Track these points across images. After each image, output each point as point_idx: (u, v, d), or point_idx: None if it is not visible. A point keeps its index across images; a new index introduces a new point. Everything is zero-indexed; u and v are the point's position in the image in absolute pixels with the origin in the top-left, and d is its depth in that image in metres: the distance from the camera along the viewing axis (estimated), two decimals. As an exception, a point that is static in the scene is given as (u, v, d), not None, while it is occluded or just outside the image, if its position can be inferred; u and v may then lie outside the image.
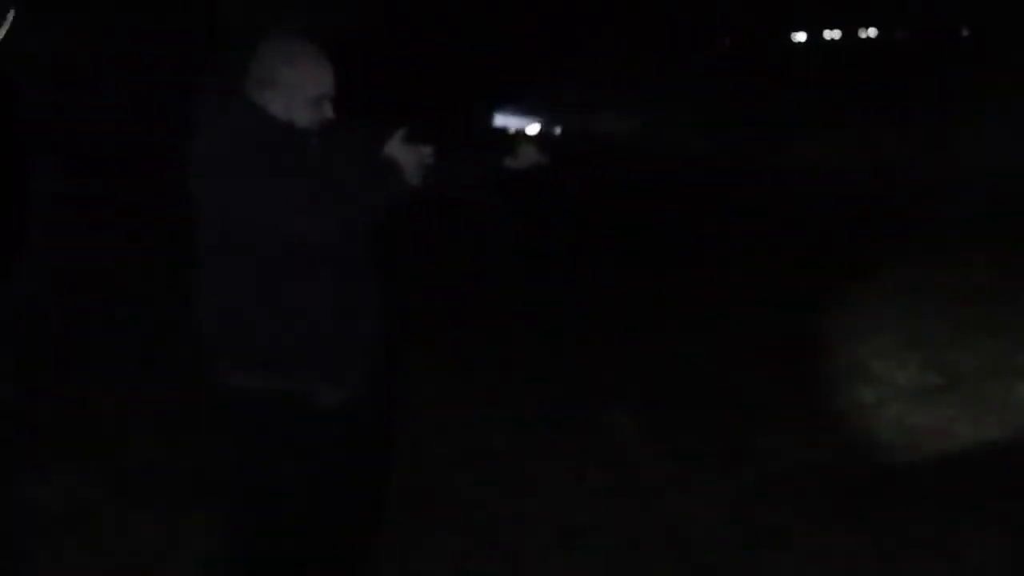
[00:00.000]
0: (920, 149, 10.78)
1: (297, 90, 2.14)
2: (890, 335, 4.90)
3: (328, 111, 2.21)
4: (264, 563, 2.37)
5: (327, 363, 2.23)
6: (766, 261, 6.59)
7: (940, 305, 5.33)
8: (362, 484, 2.49)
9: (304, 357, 2.21)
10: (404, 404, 3.94)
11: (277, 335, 2.18)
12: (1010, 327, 4.91)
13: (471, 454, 3.68)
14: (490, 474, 3.51)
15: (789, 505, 3.22)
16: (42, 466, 3.54)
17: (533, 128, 2.54)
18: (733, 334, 5.07)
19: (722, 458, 3.62)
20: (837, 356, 4.68)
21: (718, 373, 4.52)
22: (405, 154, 2.25)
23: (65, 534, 3.09)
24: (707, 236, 7.58)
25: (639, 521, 3.17)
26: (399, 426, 3.57)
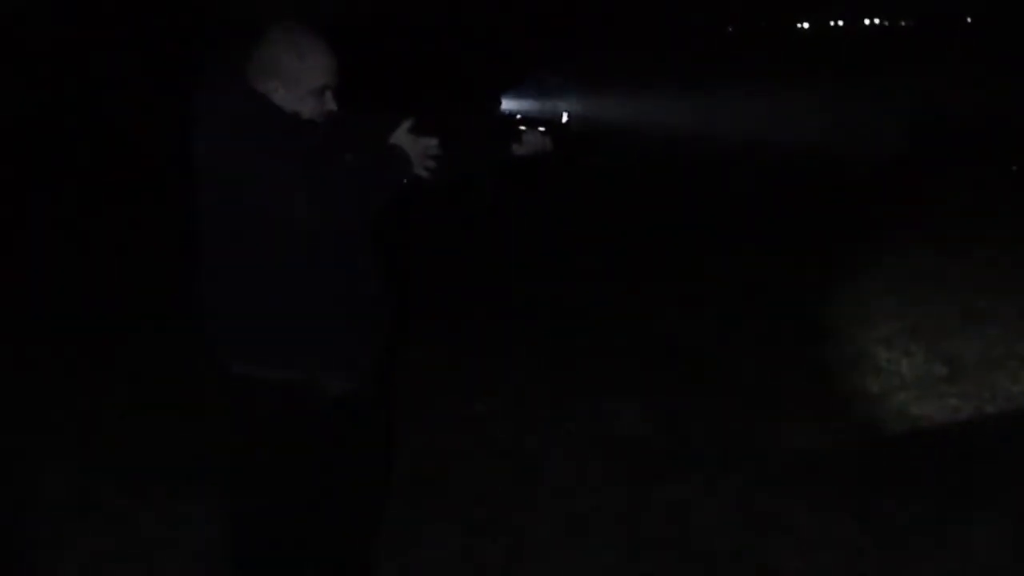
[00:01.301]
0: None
1: (300, 80, 2.12)
2: (895, 324, 4.88)
3: (331, 102, 2.19)
4: (266, 553, 2.36)
5: (330, 353, 2.22)
6: (771, 249, 6.57)
7: (945, 294, 5.31)
8: (365, 474, 2.48)
9: (307, 347, 2.20)
10: (405, 393, 3.94)
11: (281, 325, 2.17)
12: (1015, 316, 4.89)
13: (472, 443, 3.67)
14: (492, 464, 3.51)
15: (792, 493, 3.21)
16: (43, 457, 3.54)
17: (538, 115, 2.50)
18: (737, 322, 5.06)
19: (725, 446, 3.61)
20: (841, 345, 4.67)
21: (721, 361, 4.51)
22: (410, 144, 2.23)
23: (66, 524, 3.09)
24: (710, 223, 7.55)
25: (642, 509, 3.16)
26: (402, 416, 3.57)
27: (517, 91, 2.57)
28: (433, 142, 2.26)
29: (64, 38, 10.37)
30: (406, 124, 2.26)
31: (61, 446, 3.64)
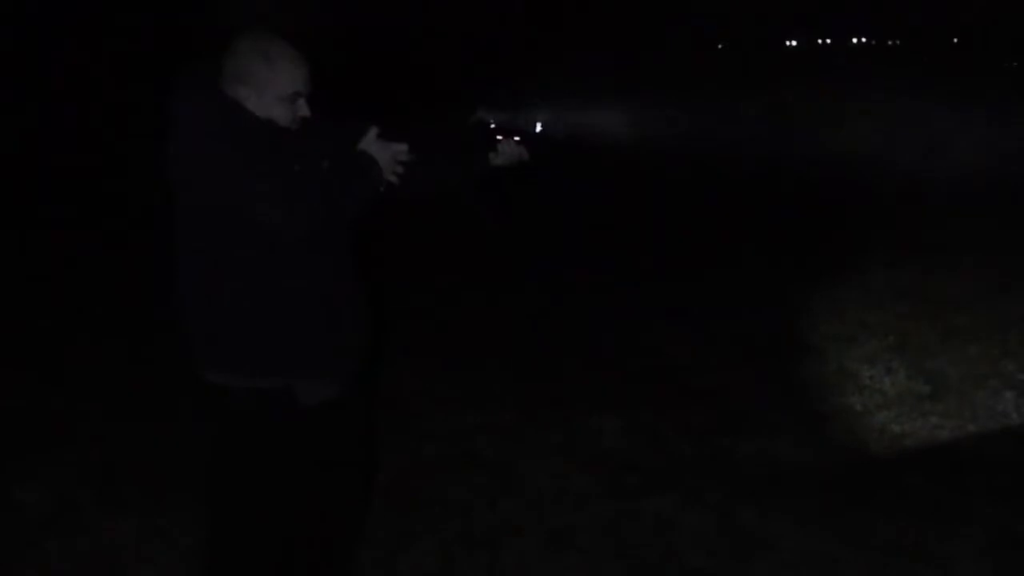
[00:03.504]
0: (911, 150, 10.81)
1: (271, 87, 2.13)
2: (877, 342, 4.90)
3: (304, 109, 2.19)
4: (245, 564, 2.34)
5: (306, 362, 2.21)
6: (754, 264, 6.59)
7: (927, 312, 5.34)
8: (345, 485, 2.47)
9: (283, 355, 2.18)
10: (388, 404, 3.92)
11: (256, 333, 2.16)
12: (997, 334, 4.92)
13: (456, 456, 3.66)
14: (475, 477, 3.49)
15: (775, 509, 3.21)
16: (23, 465, 3.51)
17: (513, 125, 2.50)
18: (721, 337, 5.07)
19: (708, 461, 3.61)
20: (824, 362, 4.68)
21: (704, 376, 4.51)
22: (379, 150, 2.23)
23: (43, 533, 3.06)
24: (692, 237, 7.58)
25: (624, 524, 3.15)
26: (382, 425, 3.55)
27: (492, 101, 2.57)
28: (403, 147, 2.26)
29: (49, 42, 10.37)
30: (374, 131, 2.26)
31: (38, 453, 3.60)
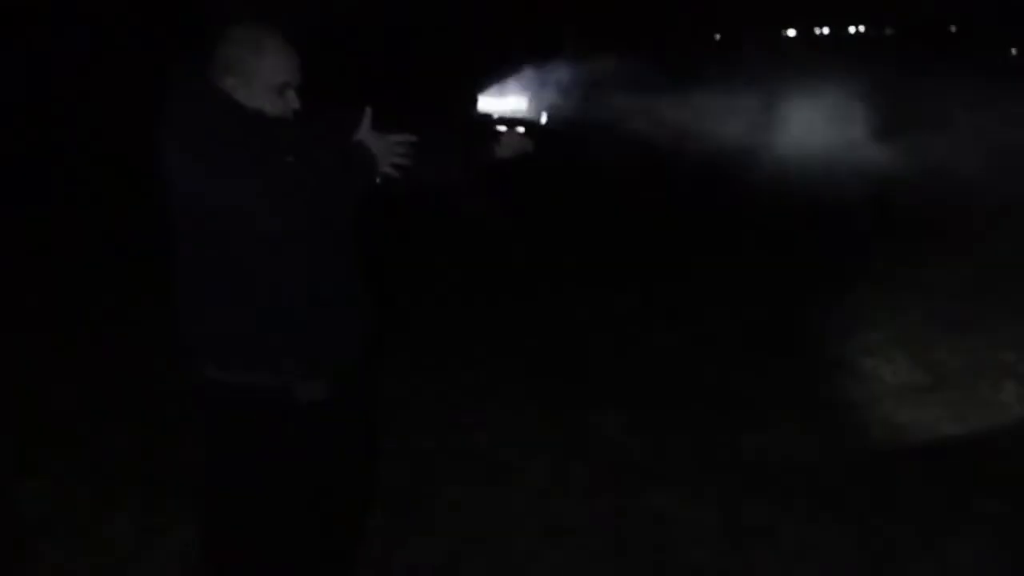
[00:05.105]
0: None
1: (258, 77, 2.10)
2: (878, 333, 4.89)
3: (294, 100, 2.16)
4: (242, 562, 2.33)
5: (303, 358, 2.19)
6: (754, 257, 6.58)
7: (927, 303, 5.33)
8: (343, 481, 2.45)
9: (280, 352, 2.16)
10: (387, 401, 3.90)
11: (252, 329, 2.13)
12: (997, 325, 4.91)
13: (454, 452, 3.65)
14: (474, 472, 3.48)
15: (776, 504, 3.20)
16: (20, 464, 3.49)
17: (517, 116, 2.47)
18: (719, 331, 5.05)
19: (709, 456, 3.60)
20: (825, 354, 4.67)
21: (705, 370, 4.50)
22: (375, 141, 2.20)
23: (39, 533, 3.04)
24: (693, 230, 7.56)
25: (625, 519, 3.14)
26: (381, 423, 3.53)
27: (494, 91, 2.53)
28: (399, 138, 2.23)
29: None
30: (368, 116, 2.22)
31: (35, 453, 3.59)
